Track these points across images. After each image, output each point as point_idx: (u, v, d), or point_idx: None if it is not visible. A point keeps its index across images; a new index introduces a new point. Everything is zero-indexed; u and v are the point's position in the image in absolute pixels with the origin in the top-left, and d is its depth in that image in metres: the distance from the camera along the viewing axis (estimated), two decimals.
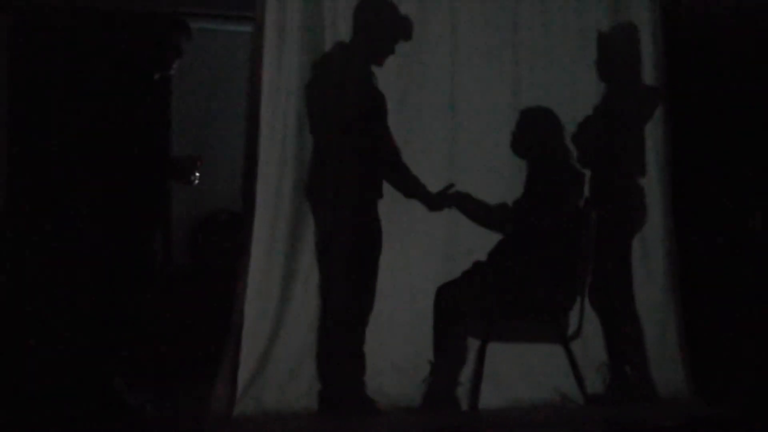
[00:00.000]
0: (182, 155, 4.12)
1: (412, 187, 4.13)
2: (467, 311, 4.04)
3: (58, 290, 4.40)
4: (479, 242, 4.18)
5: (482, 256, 4.15)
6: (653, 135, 4.43)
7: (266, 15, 4.02)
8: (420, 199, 4.14)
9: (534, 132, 4.24)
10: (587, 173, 4.30)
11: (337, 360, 3.95)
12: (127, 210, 3.94)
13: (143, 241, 4.03)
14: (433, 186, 4.17)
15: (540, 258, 4.06)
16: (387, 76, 4.14)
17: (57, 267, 4.51)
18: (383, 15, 4.11)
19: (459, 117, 4.28)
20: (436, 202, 4.15)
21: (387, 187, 4.14)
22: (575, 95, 4.38)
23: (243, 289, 3.89)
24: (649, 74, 4.45)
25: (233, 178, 4.45)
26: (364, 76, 4.08)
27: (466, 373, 4.06)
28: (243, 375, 3.83)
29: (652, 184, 4.41)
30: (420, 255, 4.18)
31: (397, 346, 4.09)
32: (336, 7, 4.10)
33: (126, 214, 3.94)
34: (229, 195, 4.77)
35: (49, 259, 4.53)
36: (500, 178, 4.30)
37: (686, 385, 4.29)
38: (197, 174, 4.06)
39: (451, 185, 4.16)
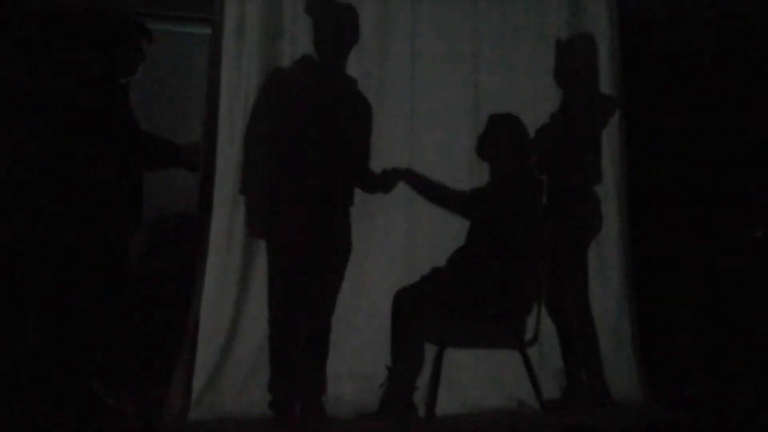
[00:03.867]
0: (188, 143, 4.11)
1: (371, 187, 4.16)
2: (425, 316, 4.02)
3: (34, 291, 4.29)
4: (438, 248, 4.17)
5: (441, 262, 4.15)
6: (609, 142, 4.48)
7: (225, 17, 4.00)
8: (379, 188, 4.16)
9: (501, 137, 4.25)
10: (544, 180, 4.33)
11: (292, 375, 3.90)
12: (103, 212, 3.91)
13: (119, 243, 4.00)
14: (393, 198, 4.19)
15: (498, 264, 4.07)
16: None
17: (34, 268, 4.40)
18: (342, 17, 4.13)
19: (418, 124, 4.28)
20: (388, 179, 4.15)
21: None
22: (533, 102, 4.40)
23: (199, 292, 3.84)
24: (605, 82, 4.50)
25: (188, 182, 4.38)
26: (343, 81, 4.09)
27: (423, 379, 4.04)
28: (198, 380, 3.77)
29: (608, 191, 4.45)
30: (378, 259, 4.16)
31: (355, 351, 4.06)
32: (296, 5, 4.09)
33: (102, 216, 3.91)
34: (184, 198, 4.70)
35: (26, 260, 4.41)
36: (460, 185, 4.29)
37: (641, 390, 4.30)
38: None
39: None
